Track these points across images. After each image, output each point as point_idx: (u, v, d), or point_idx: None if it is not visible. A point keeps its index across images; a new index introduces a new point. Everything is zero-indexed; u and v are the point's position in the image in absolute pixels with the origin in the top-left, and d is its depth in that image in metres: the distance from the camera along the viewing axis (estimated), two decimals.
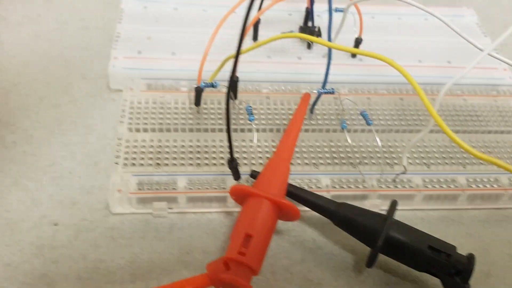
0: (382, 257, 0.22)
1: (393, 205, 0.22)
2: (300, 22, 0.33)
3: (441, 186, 0.25)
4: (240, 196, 0.22)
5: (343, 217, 0.22)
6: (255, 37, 0.31)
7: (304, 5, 0.32)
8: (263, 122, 0.26)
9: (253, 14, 0.30)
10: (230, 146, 0.21)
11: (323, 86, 0.25)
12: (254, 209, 0.21)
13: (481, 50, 0.23)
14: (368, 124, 0.25)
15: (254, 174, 0.23)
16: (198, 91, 0.25)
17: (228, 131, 0.21)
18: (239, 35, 0.18)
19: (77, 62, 0.30)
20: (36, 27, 0.33)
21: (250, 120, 0.24)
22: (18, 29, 0.32)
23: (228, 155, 0.24)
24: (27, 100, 0.28)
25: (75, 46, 0.32)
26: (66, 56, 0.31)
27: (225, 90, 0.26)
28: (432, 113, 0.20)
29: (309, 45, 0.31)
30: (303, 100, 0.25)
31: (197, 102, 0.26)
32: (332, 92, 0.25)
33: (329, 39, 0.23)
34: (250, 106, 0.25)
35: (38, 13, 0.34)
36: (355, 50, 0.21)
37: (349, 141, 0.25)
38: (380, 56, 0.20)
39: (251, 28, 0.31)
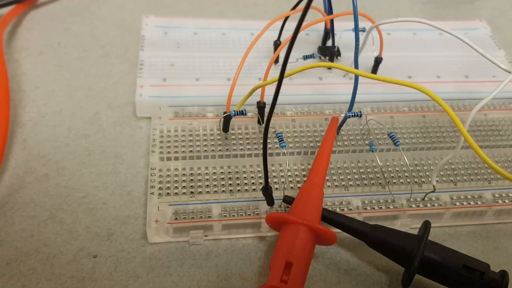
0: (415, 276, 0.22)
1: (427, 226, 0.22)
2: (318, 41, 0.33)
3: (469, 203, 0.25)
4: (276, 223, 0.22)
5: (378, 239, 0.22)
6: (276, 60, 0.31)
7: (321, 25, 0.32)
8: (291, 145, 0.27)
9: (273, 35, 0.31)
10: (266, 175, 0.22)
11: (350, 109, 0.26)
12: (292, 236, 0.21)
13: (509, 72, 0.23)
14: (396, 145, 0.25)
15: (287, 199, 0.24)
16: (227, 119, 0.26)
17: (265, 161, 0.21)
18: (281, 68, 0.18)
19: (101, 91, 0.31)
20: (57, 56, 0.33)
21: (281, 147, 0.25)
22: (40, 59, 0.33)
23: (260, 181, 0.25)
24: (55, 132, 0.28)
25: (97, 75, 0.32)
26: (90, 84, 0.31)
27: (251, 114, 0.26)
28: (464, 133, 0.21)
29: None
30: (332, 124, 0.25)
31: (226, 128, 0.27)
32: (360, 115, 0.26)
33: (356, 66, 0.24)
34: (281, 133, 0.25)
35: (58, 42, 0.34)
36: (390, 80, 0.21)
37: (380, 163, 0.26)
38: (418, 86, 0.20)
39: (271, 49, 0.32)
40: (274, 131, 0.27)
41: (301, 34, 0.34)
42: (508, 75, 0.23)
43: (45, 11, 0.37)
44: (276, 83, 0.19)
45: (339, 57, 0.32)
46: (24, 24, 0.35)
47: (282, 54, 0.28)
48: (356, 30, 0.23)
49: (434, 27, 0.24)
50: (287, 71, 0.19)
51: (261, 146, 0.26)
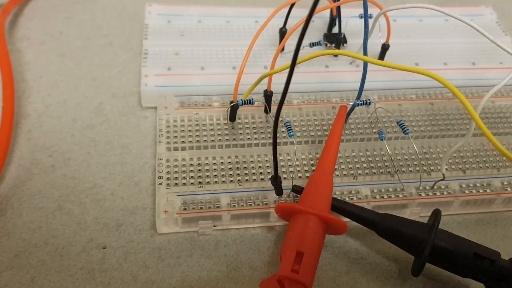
0: (426, 264, 0.22)
1: (438, 214, 0.22)
2: (323, 28, 0.33)
3: (478, 191, 0.25)
4: (286, 213, 0.22)
5: (388, 228, 0.22)
6: (282, 48, 0.31)
7: (326, 11, 0.32)
8: (298, 134, 0.26)
9: (279, 22, 0.30)
10: (275, 165, 0.22)
11: (358, 97, 0.25)
12: (302, 226, 0.21)
13: None
14: (405, 133, 0.25)
15: (296, 189, 0.24)
16: (234, 108, 0.26)
17: (274, 150, 0.21)
18: (292, 57, 0.18)
19: (105, 80, 0.31)
20: (60, 46, 0.33)
21: (290, 136, 0.24)
22: (42, 48, 0.32)
23: (269, 170, 0.25)
24: (60, 122, 0.28)
25: (101, 64, 0.32)
26: (94, 74, 0.31)
27: (257, 103, 0.26)
28: (477, 119, 0.20)
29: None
30: (340, 112, 0.25)
31: (232, 118, 0.26)
32: (368, 104, 0.25)
33: (365, 52, 0.24)
34: (289, 121, 0.25)
35: (60, 31, 0.34)
36: (401, 67, 0.21)
37: (389, 151, 0.26)
38: (429, 73, 0.20)
39: (277, 37, 0.32)
40: (281, 120, 0.27)
41: None
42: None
43: (45, 1, 0.36)
44: (283, 71, 0.18)
45: (345, 44, 0.32)
46: (25, 13, 0.35)
47: (288, 43, 0.28)
48: (365, 16, 0.23)
49: (443, 13, 0.24)
50: None
51: (269, 135, 0.26)
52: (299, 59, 0.21)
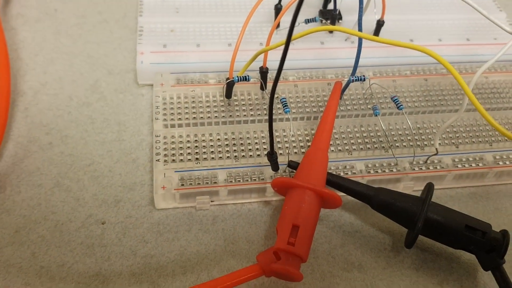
0: (419, 236, 0.23)
1: (430, 188, 0.23)
2: (318, 5, 0.33)
3: (470, 165, 0.26)
4: (282, 187, 0.23)
5: (382, 202, 0.23)
6: (277, 24, 0.31)
7: None
8: (294, 110, 0.27)
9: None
10: (271, 141, 0.22)
11: (353, 73, 0.25)
12: (298, 200, 0.21)
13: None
14: (400, 109, 0.25)
15: (291, 164, 0.24)
16: (230, 85, 0.26)
17: (270, 126, 0.21)
18: (287, 35, 0.18)
19: (100, 57, 0.31)
20: (55, 23, 0.32)
21: (285, 112, 0.25)
22: (37, 26, 0.32)
23: (265, 146, 0.25)
24: (56, 100, 0.28)
25: (96, 41, 0.32)
26: (89, 51, 0.31)
27: (253, 80, 0.26)
28: (469, 95, 0.21)
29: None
30: (335, 89, 0.25)
31: (228, 94, 0.27)
32: (363, 80, 0.26)
33: (360, 28, 0.24)
34: (285, 98, 0.25)
35: (55, 8, 0.33)
36: (396, 42, 0.21)
37: (383, 127, 0.26)
38: (424, 49, 0.20)
39: (272, 13, 0.32)
40: (277, 97, 0.27)
41: None
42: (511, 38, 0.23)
43: None
44: (279, 48, 0.19)
45: (340, 21, 0.32)
46: None
47: (283, 19, 0.28)
48: None
49: None
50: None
51: (265, 112, 0.26)
52: (294, 35, 0.21)
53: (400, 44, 0.22)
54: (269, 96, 0.20)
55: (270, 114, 0.21)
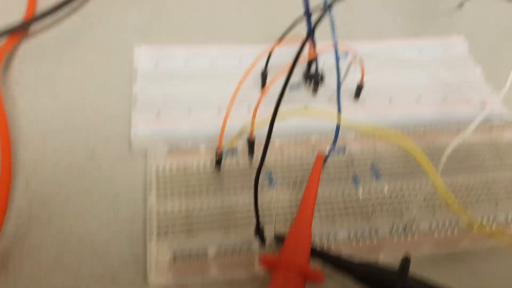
0: None
1: (406, 263, 0.24)
2: (301, 67, 0.34)
3: (446, 231, 0.27)
4: (268, 266, 0.24)
5: (361, 275, 0.24)
6: (263, 86, 0.33)
7: (305, 51, 0.33)
8: (280, 175, 0.28)
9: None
10: (257, 219, 0.24)
11: (334, 143, 0.27)
12: (282, 284, 0.23)
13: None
14: (377, 178, 0.27)
15: (278, 238, 0.26)
16: (220, 156, 0.28)
17: (256, 205, 0.23)
18: (275, 105, 0.21)
19: (96, 125, 0.32)
20: (51, 89, 0.34)
21: (270, 186, 0.26)
22: (35, 93, 0.33)
23: (254, 220, 0.27)
24: (55, 171, 0.30)
25: (93, 107, 0.33)
26: (87, 118, 0.32)
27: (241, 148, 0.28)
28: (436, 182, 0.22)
29: (315, 89, 0.33)
30: (317, 161, 0.27)
31: (218, 166, 0.28)
32: (343, 152, 0.27)
33: (339, 109, 0.25)
34: (271, 172, 0.27)
35: (52, 73, 0.35)
36: (371, 132, 0.23)
37: (360, 197, 0.28)
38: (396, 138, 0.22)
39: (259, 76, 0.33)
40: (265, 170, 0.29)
41: (286, 59, 0.35)
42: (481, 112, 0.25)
43: (36, 43, 0.37)
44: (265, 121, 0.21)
45: (322, 85, 0.33)
46: (18, 56, 0.36)
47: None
48: (338, 78, 0.25)
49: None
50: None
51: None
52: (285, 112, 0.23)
53: (372, 133, 0.23)
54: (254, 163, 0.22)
55: (256, 192, 0.23)
